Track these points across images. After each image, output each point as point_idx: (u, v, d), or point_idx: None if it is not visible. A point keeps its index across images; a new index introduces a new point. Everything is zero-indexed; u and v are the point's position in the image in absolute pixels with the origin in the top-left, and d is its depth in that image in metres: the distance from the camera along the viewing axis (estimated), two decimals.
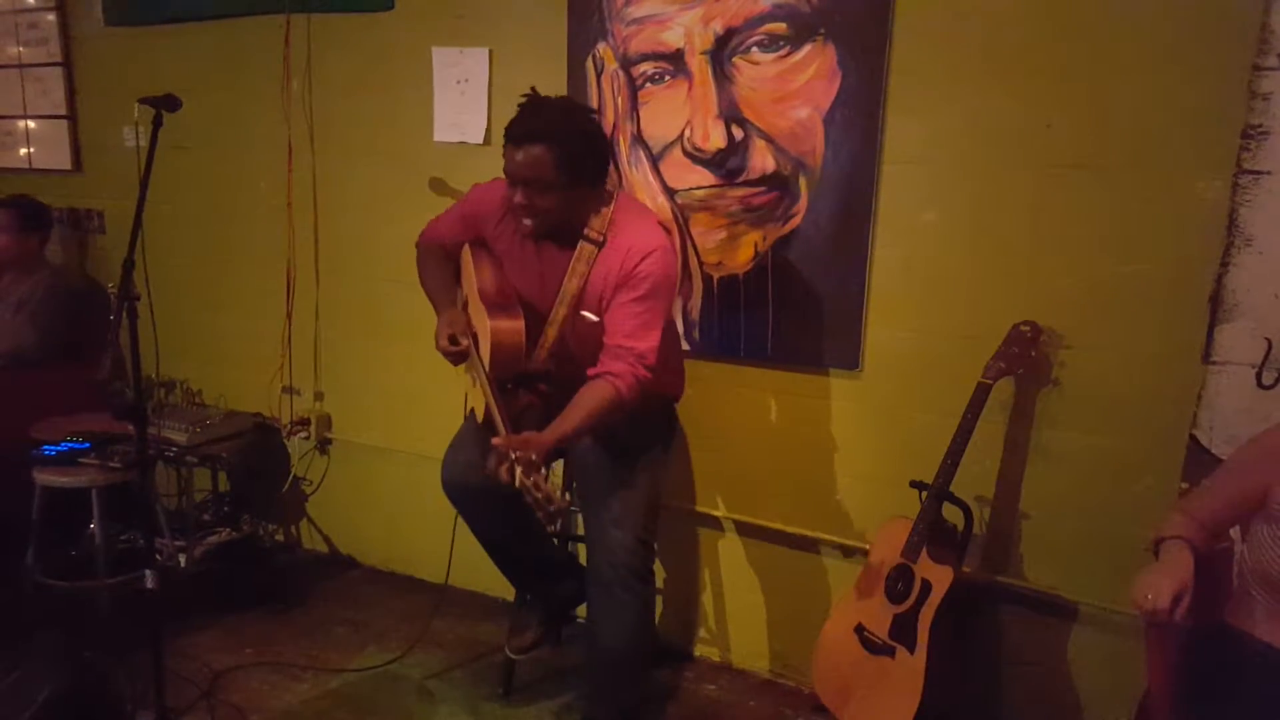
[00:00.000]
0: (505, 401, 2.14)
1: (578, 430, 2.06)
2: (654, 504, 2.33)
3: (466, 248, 2.35)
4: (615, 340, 2.10)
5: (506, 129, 2.08)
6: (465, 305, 2.36)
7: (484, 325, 2.19)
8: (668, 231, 2.21)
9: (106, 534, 3.01)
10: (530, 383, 2.29)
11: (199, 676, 2.75)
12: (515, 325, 2.17)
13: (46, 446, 3.01)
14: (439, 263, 2.43)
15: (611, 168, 2.74)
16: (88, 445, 3.01)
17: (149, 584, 2.26)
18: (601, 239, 2.14)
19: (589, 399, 2.07)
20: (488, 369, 2.17)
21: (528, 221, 2.11)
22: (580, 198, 2.12)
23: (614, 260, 2.12)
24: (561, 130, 2.05)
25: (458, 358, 2.25)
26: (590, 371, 2.11)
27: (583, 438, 2.18)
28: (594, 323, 2.17)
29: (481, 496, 2.24)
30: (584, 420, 2.06)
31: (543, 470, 1.86)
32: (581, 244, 2.15)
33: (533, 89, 2.15)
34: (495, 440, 1.92)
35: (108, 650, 2.67)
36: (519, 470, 1.83)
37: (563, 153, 2.03)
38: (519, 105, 2.11)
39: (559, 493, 1.84)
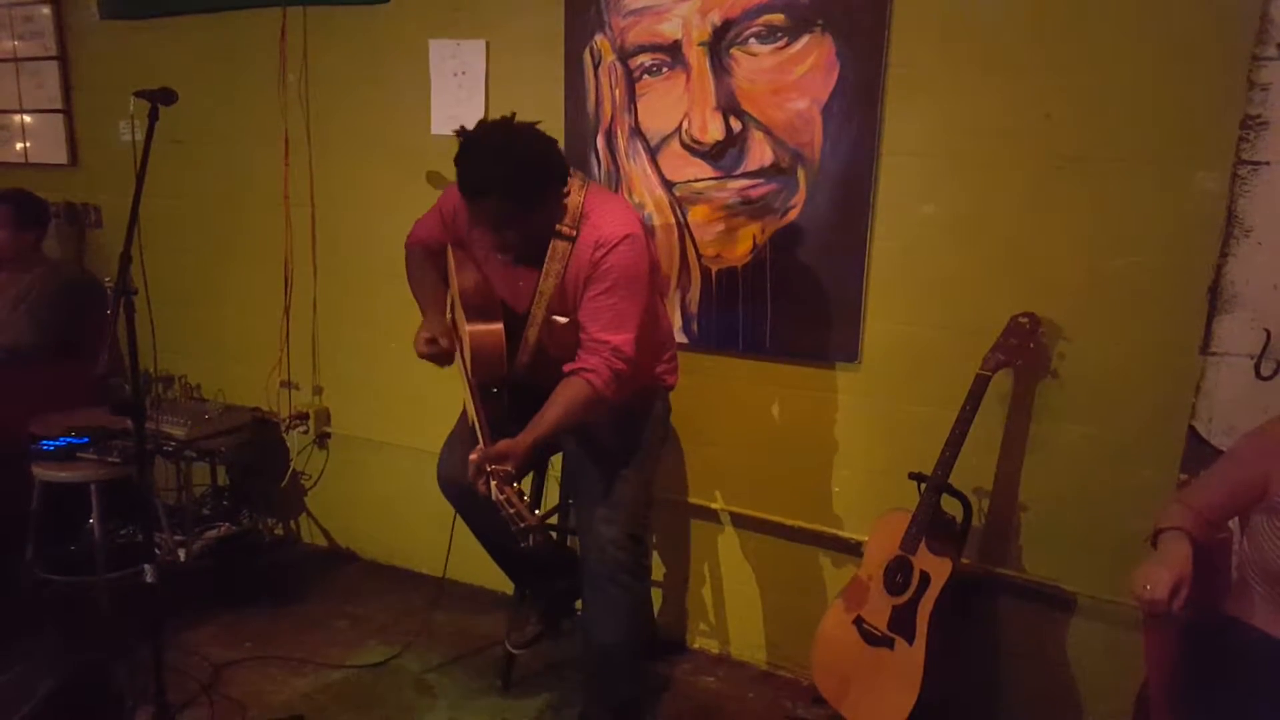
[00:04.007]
0: (490, 406, 2.13)
1: (554, 430, 2.05)
2: (646, 499, 2.33)
3: (450, 248, 2.33)
4: (590, 334, 2.09)
5: (459, 181, 2.01)
6: (451, 307, 2.36)
7: (465, 329, 2.18)
8: (640, 219, 2.16)
9: (106, 529, 3.01)
10: (516, 390, 2.28)
11: (199, 671, 2.75)
12: (494, 329, 2.15)
13: (45, 441, 3.01)
14: (424, 266, 2.41)
15: (592, 158, 2.73)
16: (86, 440, 3.01)
17: (148, 579, 2.26)
18: (574, 233, 2.11)
19: (564, 397, 2.05)
20: (470, 374, 2.16)
21: (506, 252, 2.11)
22: (548, 212, 2.08)
23: (584, 255, 2.10)
24: (507, 173, 1.96)
25: (440, 359, 2.25)
26: (566, 368, 2.10)
27: (560, 436, 2.17)
28: (565, 325, 2.15)
29: (476, 493, 2.24)
30: (560, 419, 2.05)
31: (516, 485, 1.87)
32: (554, 241, 2.11)
33: (461, 128, 2.04)
34: (472, 455, 1.93)
35: (108, 645, 2.68)
36: (494, 484, 1.85)
37: (517, 191, 1.98)
38: (459, 147, 2.01)
39: (531, 510, 1.85)
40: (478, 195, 1.99)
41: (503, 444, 1.96)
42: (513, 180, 1.96)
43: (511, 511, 1.83)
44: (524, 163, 1.99)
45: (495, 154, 1.98)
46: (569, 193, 2.12)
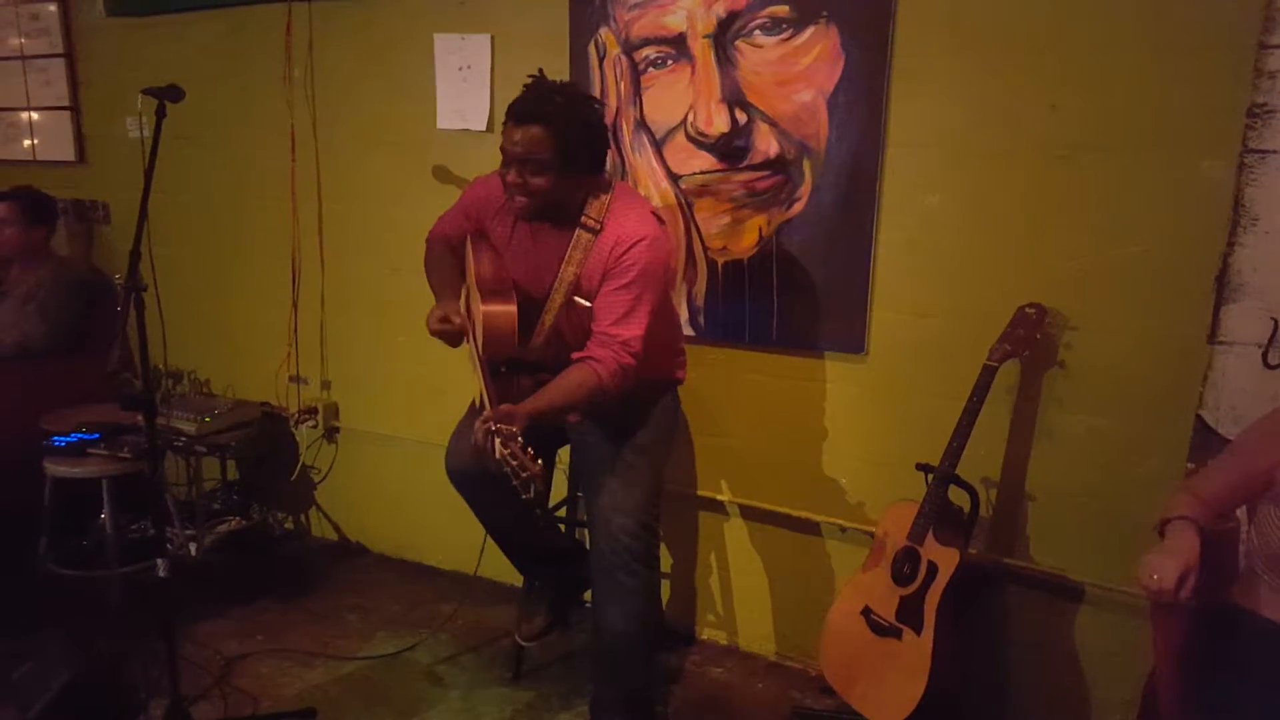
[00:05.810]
0: (499, 385, 2.17)
1: (552, 408, 2.09)
2: (656, 488, 2.34)
3: (468, 239, 2.36)
4: (601, 327, 2.13)
5: (509, 107, 2.09)
6: (466, 296, 2.38)
7: (478, 310, 2.21)
8: (662, 221, 2.22)
9: (117, 523, 3.03)
10: (527, 370, 2.31)
11: (211, 664, 2.78)
12: (508, 309, 2.18)
13: (56, 437, 3.03)
14: (444, 258, 2.45)
15: (611, 155, 2.74)
16: (97, 436, 3.03)
17: (160, 573, 2.28)
18: (599, 227, 2.15)
19: (568, 380, 2.10)
20: (480, 351, 2.19)
21: (520, 199, 2.12)
22: (574, 184, 2.13)
23: (605, 248, 2.14)
24: (563, 115, 2.06)
25: (451, 337, 2.27)
26: (575, 355, 2.14)
27: (558, 417, 2.20)
28: (588, 308, 2.19)
29: (484, 484, 2.25)
30: (560, 399, 2.09)
31: (519, 440, 1.89)
32: (579, 232, 2.16)
33: (540, 71, 2.15)
34: (481, 418, 1.96)
35: (121, 639, 2.70)
36: (498, 442, 1.88)
37: (561, 137, 2.04)
38: (525, 85, 2.12)
39: (534, 460, 1.87)
40: (527, 119, 2.04)
41: (505, 406, 2.00)
42: (566, 122, 2.05)
43: (515, 464, 1.86)
44: (583, 115, 2.11)
45: (563, 95, 2.10)
46: (600, 189, 2.17)
